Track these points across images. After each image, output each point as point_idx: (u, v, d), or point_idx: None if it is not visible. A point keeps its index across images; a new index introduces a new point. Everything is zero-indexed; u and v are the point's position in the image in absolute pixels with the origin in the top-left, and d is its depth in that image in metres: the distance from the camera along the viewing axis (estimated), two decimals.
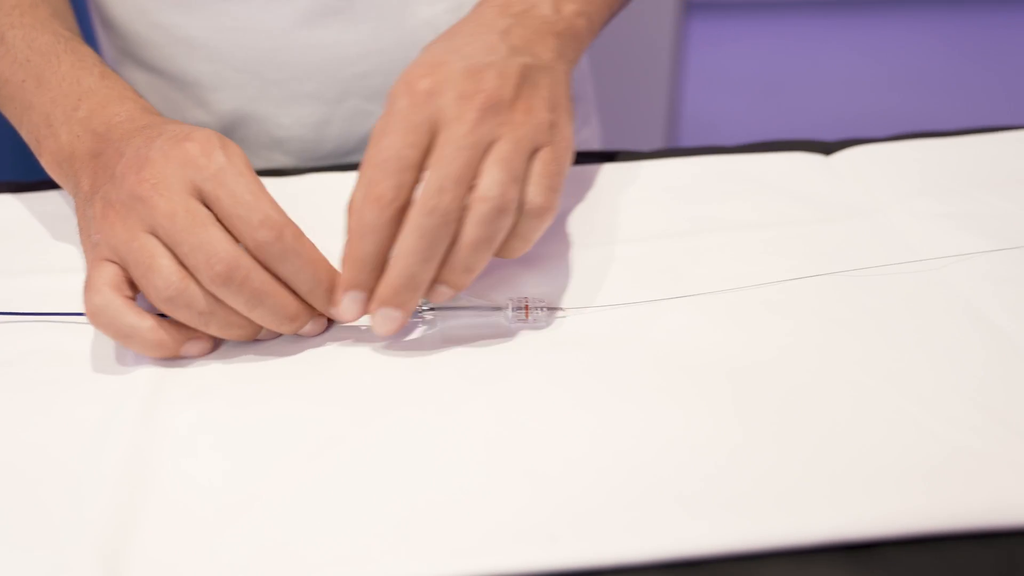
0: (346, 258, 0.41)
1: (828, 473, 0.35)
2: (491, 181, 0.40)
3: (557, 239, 0.51)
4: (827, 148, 0.60)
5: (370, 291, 0.41)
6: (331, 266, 0.42)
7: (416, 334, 0.44)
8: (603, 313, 0.45)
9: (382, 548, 0.33)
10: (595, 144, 0.84)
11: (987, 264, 0.48)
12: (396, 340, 0.44)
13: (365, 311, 0.42)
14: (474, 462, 0.37)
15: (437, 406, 0.40)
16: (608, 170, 0.58)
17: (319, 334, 0.44)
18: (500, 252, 0.43)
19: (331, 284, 0.42)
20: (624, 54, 1.98)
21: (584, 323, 0.45)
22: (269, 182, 0.57)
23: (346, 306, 0.41)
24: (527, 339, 0.44)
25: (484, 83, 0.42)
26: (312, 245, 0.41)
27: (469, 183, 0.40)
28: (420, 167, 0.40)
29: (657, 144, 1.99)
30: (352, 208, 0.40)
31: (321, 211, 0.47)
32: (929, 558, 0.33)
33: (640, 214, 0.53)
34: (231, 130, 0.64)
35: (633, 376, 0.41)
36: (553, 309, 0.45)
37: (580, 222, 0.52)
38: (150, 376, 0.41)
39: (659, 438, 0.37)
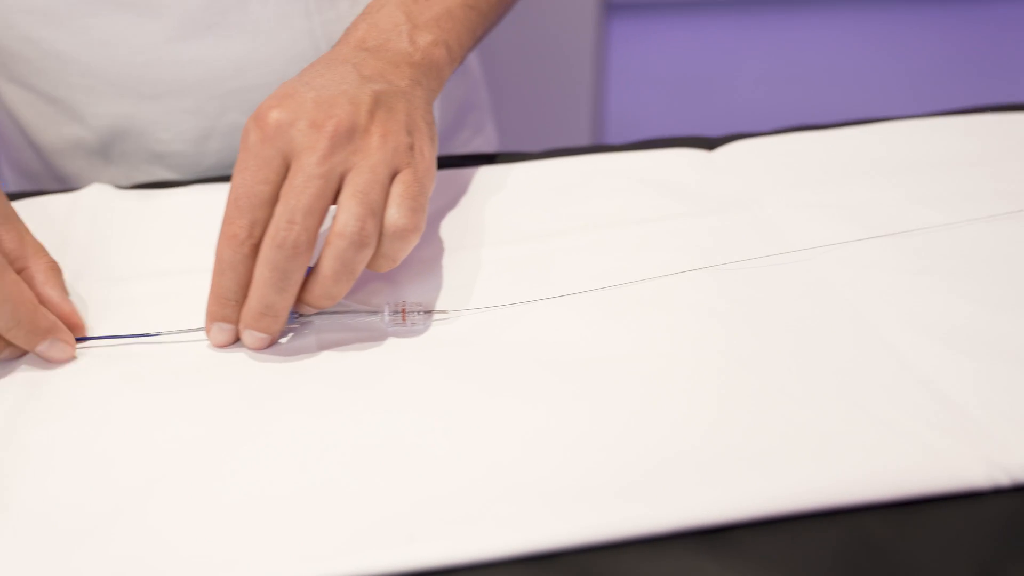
0: (210, 293, 0.43)
1: (681, 461, 0.36)
2: (348, 216, 0.41)
3: (436, 242, 0.51)
4: (710, 143, 0.61)
5: (234, 321, 0.43)
6: (34, 306, 0.42)
7: (291, 340, 0.44)
8: (480, 314, 0.45)
9: (246, 552, 0.33)
10: (493, 148, 0.85)
11: (855, 252, 0.49)
12: (270, 346, 0.44)
13: (236, 336, 0.43)
14: (340, 465, 0.37)
15: (308, 411, 0.40)
16: (494, 172, 0.58)
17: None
18: (369, 267, 0.43)
19: (32, 325, 0.41)
20: (547, 55, 1.99)
21: (461, 325, 0.45)
22: (153, 194, 0.57)
23: (215, 335, 0.43)
24: (404, 343, 0.44)
25: (335, 111, 0.42)
26: (13, 282, 0.41)
27: (322, 212, 0.41)
28: (275, 200, 0.41)
29: (585, 143, 2.00)
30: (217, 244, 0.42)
31: (203, 223, 0.47)
32: (780, 539, 0.34)
33: (521, 215, 0.53)
34: (110, 145, 0.63)
35: (506, 376, 0.41)
36: (430, 312, 0.45)
37: (460, 225, 0.53)
38: (16, 392, 0.41)
39: (527, 435, 0.38)
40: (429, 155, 0.46)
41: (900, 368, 0.41)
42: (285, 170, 0.42)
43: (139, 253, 0.51)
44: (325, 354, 0.43)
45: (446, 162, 0.60)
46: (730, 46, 2.75)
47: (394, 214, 0.42)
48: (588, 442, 0.37)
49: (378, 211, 0.42)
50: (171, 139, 0.62)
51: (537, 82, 2.00)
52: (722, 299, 0.46)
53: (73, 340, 0.43)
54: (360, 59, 0.47)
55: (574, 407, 0.39)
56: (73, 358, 0.43)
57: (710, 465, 0.36)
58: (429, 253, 0.50)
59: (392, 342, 0.44)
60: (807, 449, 0.36)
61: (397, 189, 0.43)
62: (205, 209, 0.53)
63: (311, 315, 0.44)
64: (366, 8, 0.52)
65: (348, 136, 0.42)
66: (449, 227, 0.53)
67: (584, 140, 2.02)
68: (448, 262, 0.50)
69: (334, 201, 0.42)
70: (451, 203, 0.55)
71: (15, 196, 0.56)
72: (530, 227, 0.52)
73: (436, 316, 0.46)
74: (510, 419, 0.39)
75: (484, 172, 0.58)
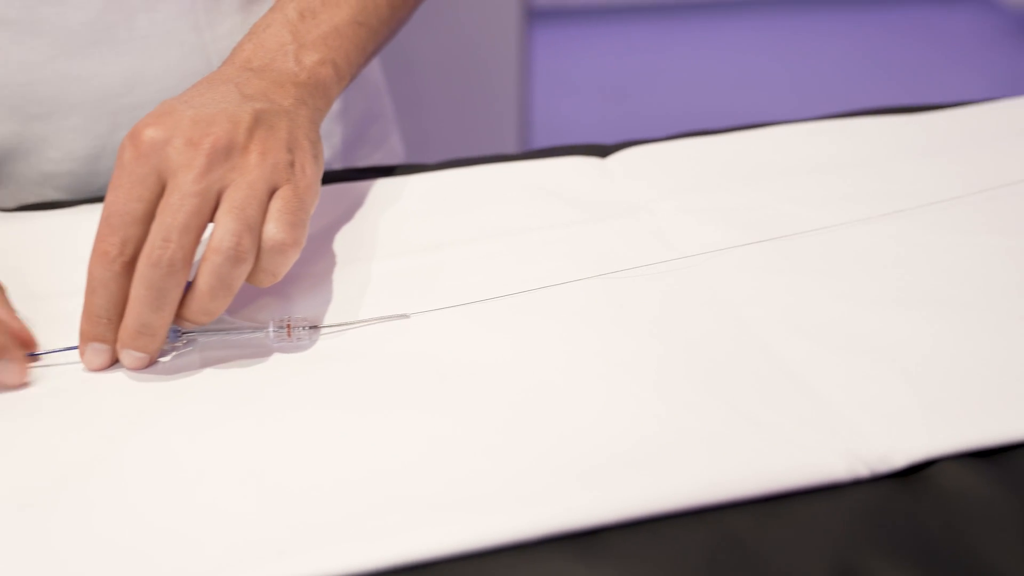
0: (83, 312, 0.42)
1: (558, 466, 0.37)
2: (224, 231, 0.41)
3: (328, 256, 0.51)
4: (604, 151, 0.62)
5: (110, 341, 0.42)
6: None
7: (174, 359, 0.44)
8: (367, 328, 0.46)
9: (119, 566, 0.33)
10: (398, 159, 0.85)
11: (739, 255, 0.50)
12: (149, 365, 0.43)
13: (112, 358, 0.43)
14: (223, 484, 0.37)
15: (190, 430, 0.39)
16: (389, 184, 0.58)
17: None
18: (250, 282, 0.43)
19: None
20: (471, 64, 2.00)
21: (348, 339, 0.45)
22: (38, 215, 0.56)
23: (89, 357, 0.43)
24: (289, 358, 0.44)
25: (213, 129, 0.42)
26: None
27: (198, 230, 0.41)
28: (150, 218, 0.41)
29: (512, 151, 2.01)
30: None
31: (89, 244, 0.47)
32: (648, 540, 0.34)
33: (413, 227, 0.54)
34: None
35: (391, 388, 0.42)
36: (316, 327, 0.46)
37: (353, 238, 0.53)
38: None
39: (410, 446, 0.38)
40: (312, 172, 0.46)
41: (771, 366, 0.42)
42: (161, 188, 0.42)
43: (20, 277, 0.50)
44: (208, 372, 0.43)
45: (342, 176, 0.60)
46: (653, 52, 2.79)
47: (272, 229, 0.42)
48: (469, 449, 0.38)
49: (255, 226, 0.42)
50: (61, 159, 0.61)
51: (462, 92, 2.00)
52: (608, 305, 0.46)
53: (25, 358, 0.42)
54: (244, 79, 0.48)
55: (457, 416, 0.40)
56: (26, 380, 0.42)
57: (587, 469, 0.37)
58: (320, 267, 0.50)
59: (277, 358, 0.44)
60: (678, 450, 0.37)
61: (276, 204, 0.43)
62: (92, 230, 0.52)
63: (195, 333, 0.44)
64: (253, 27, 0.52)
65: (226, 154, 0.42)
66: (341, 241, 0.53)
67: (511, 148, 2.03)
68: (339, 276, 0.50)
69: (212, 219, 0.42)
70: (344, 217, 0.55)
71: None
72: (422, 239, 0.53)
73: (324, 331, 0.46)
74: (393, 430, 0.39)
75: (379, 185, 0.58)
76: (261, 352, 0.44)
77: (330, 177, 0.60)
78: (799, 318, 0.45)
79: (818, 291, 0.47)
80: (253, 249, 0.42)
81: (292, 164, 0.45)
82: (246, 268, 0.42)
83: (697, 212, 0.54)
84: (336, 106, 0.74)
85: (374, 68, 0.82)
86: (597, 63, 2.72)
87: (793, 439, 0.37)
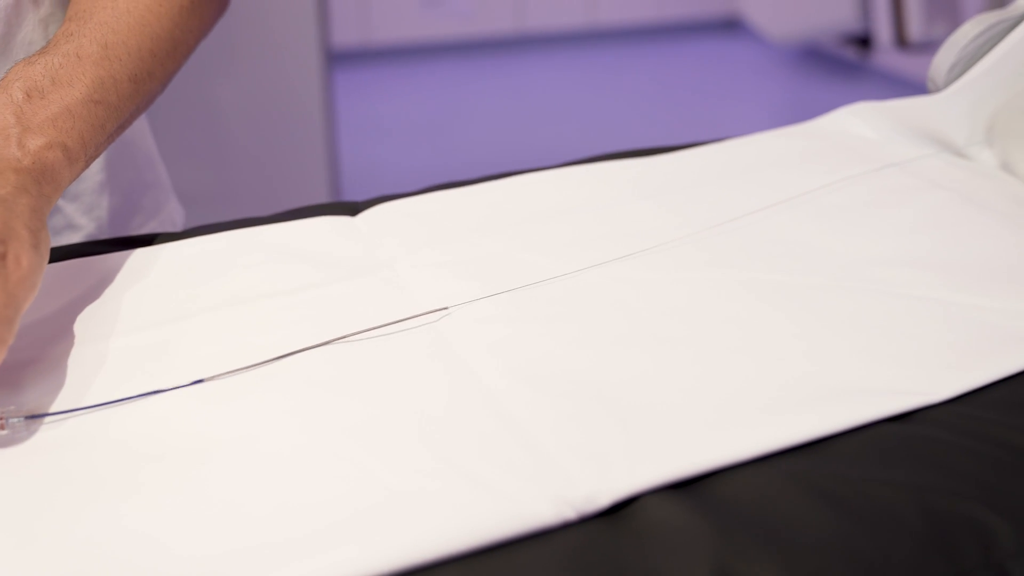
0: None
1: (282, 538, 0.37)
2: None
3: (63, 337, 0.50)
4: (355, 208, 0.63)
5: None
6: None
7: None
8: (89, 413, 0.44)
9: None
10: (179, 226, 0.83)
11: (474, 308, 0.52)
12: None
13: None
14: None
15: None
16: (140, 256, 0.57)
17: None
18: None
19: None
20: (276, 113, 1.97)
21: (67, 426, 0.44)
22: None
23: None
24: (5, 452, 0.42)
25: None
26: None
27: None
28: None
29: (323, 198, 2.00)
30: None
31: None
32: None
33: (152, 299, 0.53)
34: None
35: (110, 475, 0.40)
36: (37, 416, 0.44)
37: (89, 317, 0.52)
38: None
39: (129, 527, 0.37)
40: (28, 263, 0.44)
41: (493, 417, 0.43)
42: None
43: None
44: None
45: (97, 248, 0.59)
46: (458, 90, 2.84)
47: None
48: (190, 530, 0.37)
49: None
50: None
51: (268, 142, 1.97)
52: (336, 371, 0.47)
53: None
54: None
55: (184, 497, 0.39)
56: None
57: (309, 534, 0.37)
58: (57, 349, 0.49)
59: None
60: (394, 512, 0.38)
61: None
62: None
63: None
64: None
65: None
66: (82, 318, 0.51)
67: (323, 197, 2.02)
68: (74, 357, 0.48)
69: None
70: (89, 293, 0.54)
71: None
72: (162, 312, 0.52)
73: (48, 419, 0.44)
74: (106, 521, 0.38)
75: (132, 256, 0.57)
76: None
77: (83, 251, 0.58)
78: (525, 366, 0.47)
79: (544, 337, 0.49)
80: None
81: (4, 256, 0.43)
82: None
83: (438, 266, 0.56)
84: (99, 177, 0.72)
85: (144, 137, 0.80)
86: (404, 104, 2.74)
87: (504, 490, 0.39)
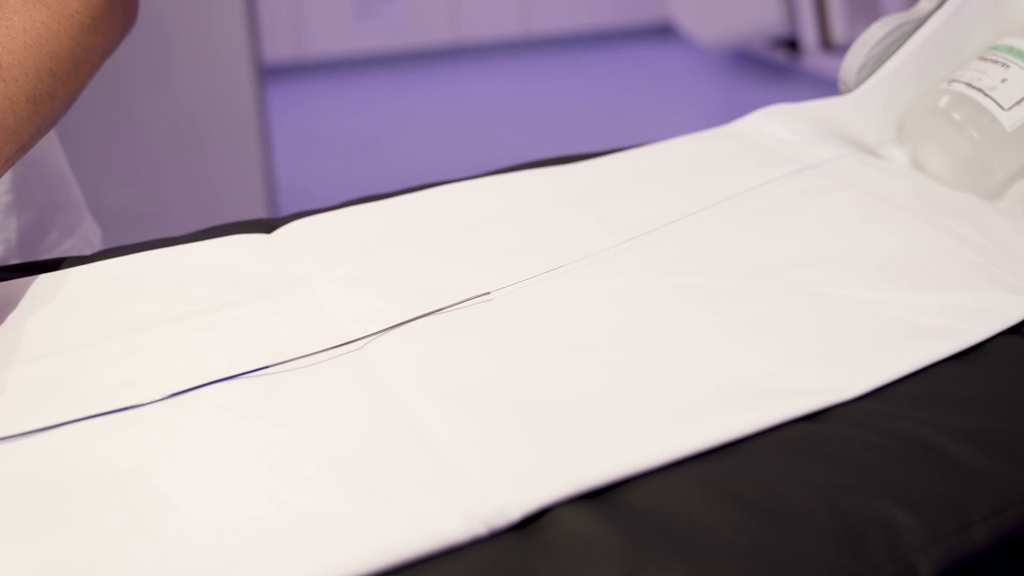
0: None
1: (178, 567, 0.36)
2: None
3: None
4: (271, 225, 0.62)
5: None
6: None
7: None
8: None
9: None
10: (95, 246, 0.82)
11: (388, 323, 0.51)
12: None
13: None
14: None
15: None
16: (47, 280, 0.56)
17: None
18: None
19: None
20: (209, 131, 1.94)
21: None
22: None
23: None
24: None
25: None
26: None
27: None
28: None
29: (261, 215, 1.97)
30: None
31: None
32: None
33: (58, 324, 0.51)
34: None
35: (5, 513, 0.39)
36: None
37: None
38: None
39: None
40: None
41: (409, 434, 0.43)
42: None
43: None
44: None
45: (2, 274, 0.57)
46: (395, 102, 2.83)
47: None
48: (93, 569, 0.36)
49: None
50: None
51: (201, 159, 1.94)
52: (245, 395, 0.46)
53: None
54: None
55: (74, 535, 0.38)
56: None
57: (222, 563, 0.36)
58: None
59: None
60: (304, 533, 0.37)
61: None
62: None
63: None
64: None
65: None
66: None
67: (260, 213, 1.99)
68: None
69: None
70: None
71: None
72: (62, 340, 0.50)
73: None
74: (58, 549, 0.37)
75: (32, 283, 0.56)
76: None
77: None
78: (444, 381, 0.46)
79: (463, 351, 0.49)
80: None
81: None
82: None
83: (355, 281, 0.55)
84: (5, 199, 0.71)
85: (54, 156, 0.78)
86: (341, 117, 2.72)
87: (416, 508, 0.38)
